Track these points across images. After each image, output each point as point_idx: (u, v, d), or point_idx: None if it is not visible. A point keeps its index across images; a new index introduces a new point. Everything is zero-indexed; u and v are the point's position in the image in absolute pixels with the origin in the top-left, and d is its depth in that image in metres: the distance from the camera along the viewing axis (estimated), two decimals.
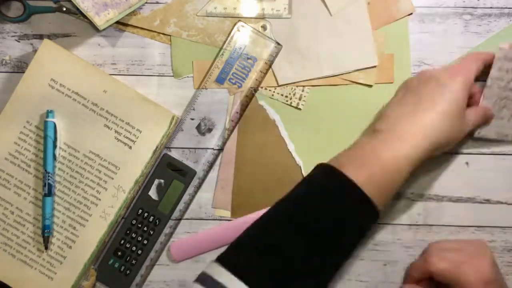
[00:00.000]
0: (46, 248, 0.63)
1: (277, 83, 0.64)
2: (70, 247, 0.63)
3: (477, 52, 0.63)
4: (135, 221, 0.64)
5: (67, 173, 0.63)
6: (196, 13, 0.64)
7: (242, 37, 0.64)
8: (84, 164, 0.63)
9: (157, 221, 0.64)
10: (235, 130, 0.65)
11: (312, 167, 0.57)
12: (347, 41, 0.64)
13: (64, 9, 0.64)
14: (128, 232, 0.64)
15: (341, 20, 0.64)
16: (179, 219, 0.65)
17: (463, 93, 0.57)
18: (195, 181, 0.64)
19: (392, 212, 0.64)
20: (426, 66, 0.64)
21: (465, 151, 0.65)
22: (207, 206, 0.65)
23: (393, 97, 0.61)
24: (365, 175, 0.53)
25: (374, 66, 0.64)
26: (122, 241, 0.64)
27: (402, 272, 0.64)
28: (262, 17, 0.64)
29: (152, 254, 0.64)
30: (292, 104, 0.64)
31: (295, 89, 0.65)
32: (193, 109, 0.64)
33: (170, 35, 0.64)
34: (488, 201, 0.65)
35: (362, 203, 0.53)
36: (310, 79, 0.64)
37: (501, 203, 0.65)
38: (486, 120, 0.62)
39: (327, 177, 0.54)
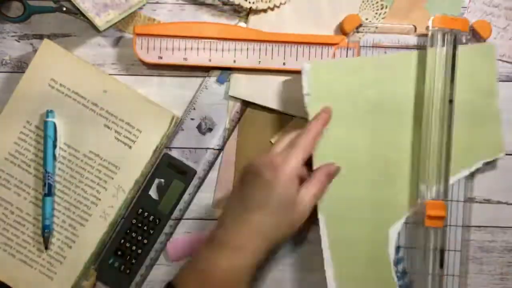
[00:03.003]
0: (46, 248, 0.63)
1: (229, 93, 0.64)
2: (70, 247, 0.63)
3: (306, 135, 0.58)
4: (135, 220, 0.64)
5: (67, 173, 0.63)
6: None
7: None
8: (84, 164, 0.63)
9: (157, 220, 0.64)
10: (235, 130, 0.65)
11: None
12: None
13: (64, 9, 0.64)
14: (128, 231, 0.64)
15: None
16: (179, 219, 0.65)
17: (290, 187, 0.55)
18: (195, 181, 0.64)
19: None
20: None
21: None
22: (207, 206, 0.65)
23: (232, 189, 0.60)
24: None
25: None
26: (122, 241, 0.64)
27: None
28: None
29: (152, 254, 0.64)
30: None
31: None
32: (194, 109, 0.64)
33: None
34: (488, 201, 0.65)
35: None
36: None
37: (501, 203, 0.65)
38: (323, 191, 0.59)
39: None
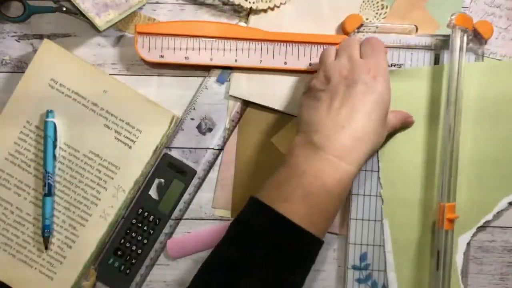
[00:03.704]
0: (46, 248, 0.63)
1: (229, 92, 0.64)
2: (70, 247, 0.63)
3: (375, 39, 0.59)
4: (135, 220, 0.64)
5: (67, 173, 0.63)
6: None
7: None
8: (84, 164, 0.63)
9: (157, 220, 0.64)
10: (235, 130, 0.65)
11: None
12: None
13: (64, 9, 0.64)
14: (128, 231, 0.64)
15: None
16: (179, 219, 0.65)
17: (389, 94, 0.55)
18: (195, 181, 0.64)
19: None
20: None
21: None
22: (207, 206, 0.65)
23: (309, 101, 0.56)
24: (308, 208, 0.51)
25: None
26: (122, 241, 0.64)
27: None
28: None
29: (152, 254, 0.64)
30: None
31: None
32: (194, 109, 0.64)
33: None
34: None
35: (304, 241, 0.51)
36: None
37: None
38: (404, 125, 0.61)
39: (266, 222, 0.51)
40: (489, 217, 0.63)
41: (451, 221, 0.60)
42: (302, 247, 0.52)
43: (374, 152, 0.56)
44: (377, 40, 0.58)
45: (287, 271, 0.51)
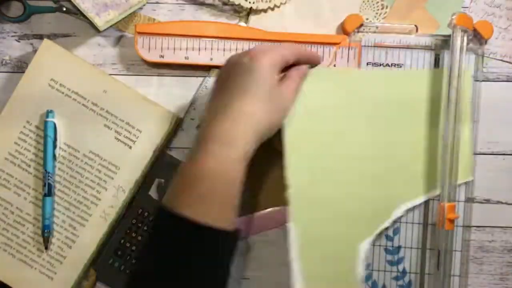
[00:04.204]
0: (46, 248, 0.63)
1: None
2: (70, 247, 0.63)
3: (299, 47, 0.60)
4: (135, 220, 0.64)
5: (67, 173, 0.63)
6: None
7: None
8: (84, 164, 0.63)
9: None
10: None
11: None
12: None
13: (64, 9, 0.64)
14: (128, 231, 0.64)
15: None
16: None
17: (270, 73, 0.53)
18: None
19: None
20: None
21: None
22: None
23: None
24: (196, 201, 0.50)
25: None
26: (122, 241, 0.64)
27: None
28: None
29: None
30: None
31: None
32: (194, 109, 0.64)
33: None
34: (488, 201, 0.65)
35: (213, 238, 0.50)
36: None
37: (501, 203, 0.65)
38: (299, 89, 0.58)
39: (172, 227, 0.50)
40: (387, 223, 0.62)
41: (452, 221, 0.60)
42: (204, 241, 0.50)
43: (268, 133, 0.54)
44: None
45: (204, 268, 0.50)
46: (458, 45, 0.60)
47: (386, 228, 0.62)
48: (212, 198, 0.50)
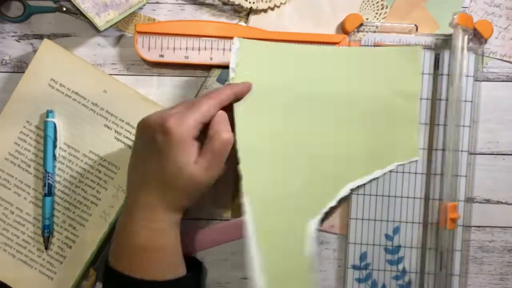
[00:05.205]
0: (46, 248, 0.63)
1: None
2: (70, 247, 0.63)
3: (213, 92, 0.55)
4: None
5: (67, 173, 0.63)
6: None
7: None
8: (84, 164, 0.63)
9: None
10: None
11: None
12: None
13: (64, 9, 0.64)
14: None
15: None
16: None
17: (183, 155, 0.52)
18: None
19: None
20: None
21: None
22: (207, 206, 0.65)
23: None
24: (140, 266, 0.53)
25: None
26: None
27: None
28: None
29: None
30: None
31: None
32: None
33: None
34: (488, 201, 0.65)
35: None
36: None
37: (501, 203, 0.65)
38: (218, 164, 0.54)
39: (106, 278, 0.56)
40: (335, 202, 0.62)
41: (454, 220, 0.60)
42: None
43: (196, 199, 0.55)
44: (206, 95, 0.55)
45: None
46: (459, 44, 0.60)
47: (386, 228, 0.63)
48: (153, 264, 0.54)
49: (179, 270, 0.56)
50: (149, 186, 0.53)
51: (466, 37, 0.61)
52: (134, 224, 0.54)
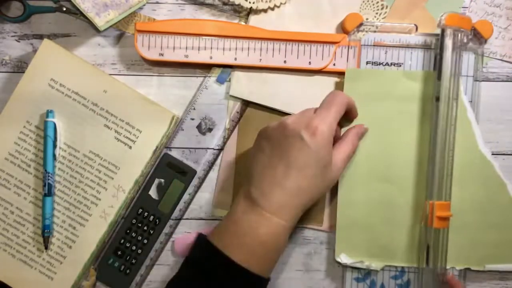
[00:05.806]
0: (46, 248, 0.63)
1: (230, 92, 0.64)
2: (70, 247, 0.63)
3: (340, 95, 0.59)
4: (135, 220, 0.64)
5: (67, 173, 0.63)
6: None
7: None
8: (84, 164, 0.63)
9: (157, 220, 0.64)
10: (235, 130, 0.65)
11: None
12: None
13: (64, 9, 0.64)
14: (128, 231, 0.64)
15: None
16: (179, 219, 0.65)
17: (327, 150, 0.56)
18: (195, 181, 0.64)
19: None
20: None
21: None
22: (207, 206, 0.65)
23: (256, 150, 0.58)
24: (246, 254, 0.54)
25: None
26: (122, 241, 0.64)
27: None
28: None
29: (152, 254, 0.64)
30: None
31: None
32: (194, 109, 0.64)
33: None
34: None
35: (248, 281, 0.54)
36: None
37: None
38: (354, 151, 0.61)
39: (212, 261, 0.55)
40: None
41: (441, 218, 0.60)
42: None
43: (314, 201, 0.57)
44: (335, 94, 0.59)
45: None
46: (449, 45, 0.60)
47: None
48: (261, 258, 0.55)
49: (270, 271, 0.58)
50: (283, 187, 0.55)
51: (459, 37, 0.60)
52: (261, 222, 0.55)
